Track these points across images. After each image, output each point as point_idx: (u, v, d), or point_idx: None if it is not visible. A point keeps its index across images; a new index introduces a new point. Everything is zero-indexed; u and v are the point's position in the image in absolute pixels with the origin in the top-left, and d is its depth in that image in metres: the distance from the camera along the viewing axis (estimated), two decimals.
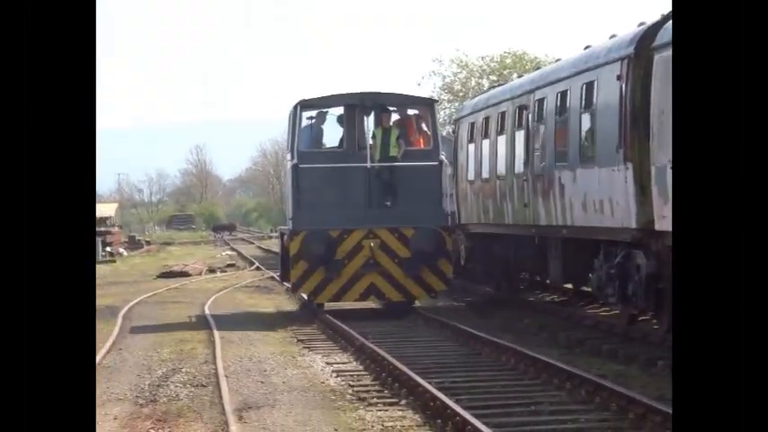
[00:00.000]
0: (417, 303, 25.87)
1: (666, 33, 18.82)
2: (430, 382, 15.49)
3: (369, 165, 24.53)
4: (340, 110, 25.57)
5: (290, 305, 29.92)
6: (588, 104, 21.86)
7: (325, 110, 25.86)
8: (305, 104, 25.42)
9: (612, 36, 22.11)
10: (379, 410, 14.76)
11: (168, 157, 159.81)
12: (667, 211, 18.40)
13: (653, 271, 19.84)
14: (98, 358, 20.19)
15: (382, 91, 26.67)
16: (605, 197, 20.85)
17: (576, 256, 23.83)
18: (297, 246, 24.15)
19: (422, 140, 25.52)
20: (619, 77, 20.29)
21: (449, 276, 24.80)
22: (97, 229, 67.21)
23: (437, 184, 25.13)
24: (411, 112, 26.10)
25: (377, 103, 25.33)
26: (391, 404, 15.22)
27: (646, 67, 19.31)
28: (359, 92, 25.80)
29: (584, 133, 22.10)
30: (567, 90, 23.11)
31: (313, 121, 25.68)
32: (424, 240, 24.04)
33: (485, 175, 28.61)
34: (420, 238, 24.05)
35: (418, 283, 24.26)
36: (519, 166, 26.00)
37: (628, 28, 21.27)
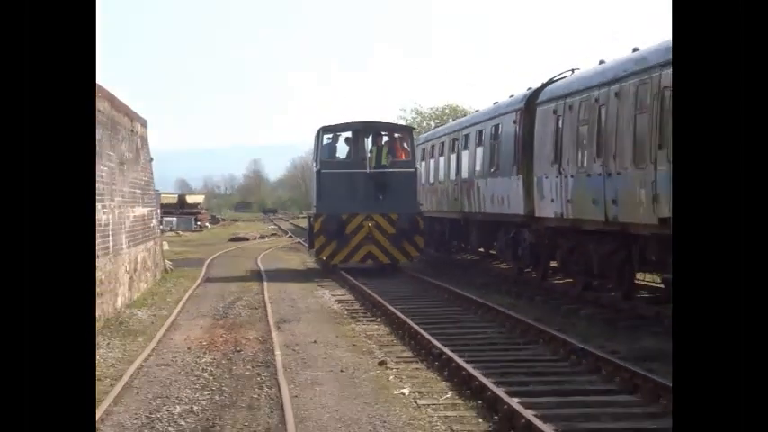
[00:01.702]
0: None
1: (545, 94, 18.91)
2: (395, 308, 15.56)
3: (368, 170, 23.71)
4: (348, 133, 24.83)
5: (310, 260, 29.92)
6: (495, 138, 21.92)
7: (338, 133, 25.03)
8: (325, 129, 24.67)
9: (511, 95, 22.17)
10: (364, 324, 14.86)
11: (237, 167, 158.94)
12: (543, 204, 18.53)
13: (533, 241, 19.99)
14: (190, 291, 20.28)
15: (377, 121, 25.94)
16: (505, 195, 20.92)
17: (487, 231, 23.94)
18: (319, 225, 23.46)
19: (403, 155, 24.60)
20: (515, 122, 20.37)
21: (421, 247, 23.94)
22: (191, 210, 66.96)
23: (413, 184, 24.27)
24: (396, 135, 25.18)
25: (373, 129, 24.62)
26: (371, 321, 15.30)
27: (531, 116, 19.43)
28: (361, 121, 24.97)
29: (492, 156, 22.19)
30: (482, 129, 23.17)
31: (330, 140, 24.93)
32: (405, 222, 23.25)
33: (431, 180, 28.68)
34: (402, 220, 23.26)
35: (400, 251, 23.40)
36: (452, 176, 26.05)
37: (521, 89, 21.42)
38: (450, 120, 38.77)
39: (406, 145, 24.72)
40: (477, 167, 23.38)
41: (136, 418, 8.62)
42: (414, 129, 30.63)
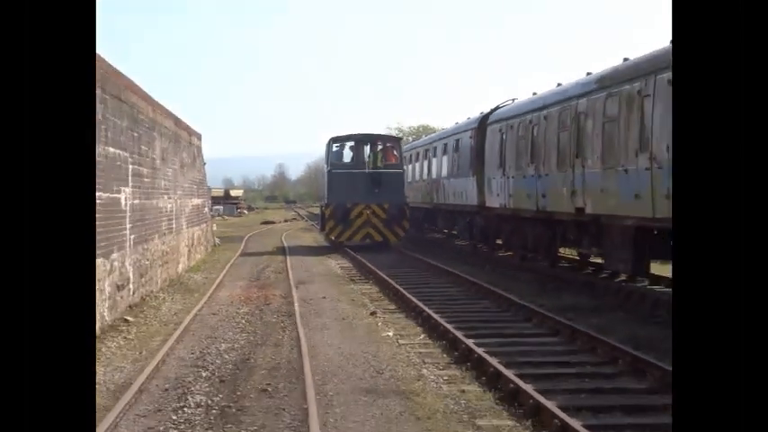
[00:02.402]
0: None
1: (493, 117, 18.87)
2: (383, 273, 15.49)
3: (366, 171, 23.22)
4: (352, 142, 24.34)
5: (321, 238, 29.82)
6: (456, 149, 21.88)
7: (344, 142, 24.49)
8: (334, 140, 24.22)
9: (468, 117, 22.15)
10: (360, 285, 14.78)
11: (267, 169, 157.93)
12: (491, 198, 18.51)
13: (484, 224, 19.99)
14: (233, 260, 20.19)
15: (374, 132, 25.60)
16: (463, 191, 20.91)
17: (450, 216, 23.91)
18: (329, 212, 23.09)
19: (393, 159, 24.08)
20: (471, 137, 20.34)
21: (407, 229, 23.43)
22: (233, 201, 66.55)
23: (401, 182, 23.71)
24: (388, 144, 24.66)
25: (371, 139, 24.22)
26: (366, 282, 15.23)
27: (483, 133, 19.39)
28: (362, 133, 24.63)
29: (454, 162, 22.15)
30: (447, 142, 23.12)
31: (338, 148, 24.46)
32: (394, 210, 22.76)
33: (409, 179, 28.61)
34: (392, 208, 22.76)
35: (391, 232, 22.91)
36: (425, 176, 26.02)
37: (477, 111, 21.33)
38: (424, 135, 38.67)
39: (395, 152, 24.57)
40: (444, 170, 23.38)
41: (192, 353, 8.61)
42: (401, 139, 30.41)
